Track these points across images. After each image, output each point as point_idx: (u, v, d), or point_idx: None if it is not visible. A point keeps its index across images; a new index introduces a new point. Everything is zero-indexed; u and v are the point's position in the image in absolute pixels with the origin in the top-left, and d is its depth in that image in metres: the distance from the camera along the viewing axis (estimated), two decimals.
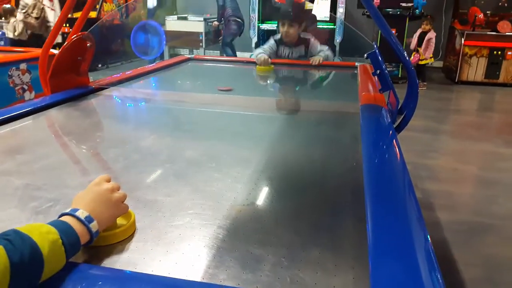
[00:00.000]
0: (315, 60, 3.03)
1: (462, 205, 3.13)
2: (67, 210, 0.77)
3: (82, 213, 0.76)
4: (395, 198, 0.99)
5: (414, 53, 6.96)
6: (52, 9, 5.90)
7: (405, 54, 1.80)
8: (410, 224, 0.86)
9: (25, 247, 0.63)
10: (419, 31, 7.00)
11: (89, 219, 0.76)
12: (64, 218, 0.75)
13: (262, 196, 1.11)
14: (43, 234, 0.67)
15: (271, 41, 3.26)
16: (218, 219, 0.93)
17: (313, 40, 3.20)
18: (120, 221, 0.86)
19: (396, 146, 1.34)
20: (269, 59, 3.00)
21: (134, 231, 0.87)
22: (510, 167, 3.83)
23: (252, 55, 3.39)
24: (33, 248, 0.64)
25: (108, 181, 0.87)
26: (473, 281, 2.25)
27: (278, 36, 3.24)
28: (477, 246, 2.59)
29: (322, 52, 3.14)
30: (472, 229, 2.77)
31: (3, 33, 5.62)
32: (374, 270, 0.70)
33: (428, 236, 0.81)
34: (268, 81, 3.09)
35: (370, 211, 0.88)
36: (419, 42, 6.95)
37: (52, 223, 0.72)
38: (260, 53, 3.06)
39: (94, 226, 0.76)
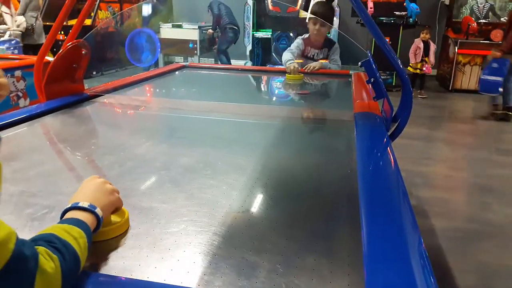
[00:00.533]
0: (309, 66, 3.01)
1: (457, 212, 3.14)
2: (68, 205, 0.80)
3: (83, 204, 0.80)
4: (389, 205, 1.00)
5: (420, 64, 6.94)
6: (10, 15, 5.96)
7: (399, 63, 1.81)
8: (405, 231, 0.87)
9: (70, 256, 0.67)
10: (420, 41, 6.98)
11: (93, 206, 0.80)
12: (70, 214, 0.78)
13: (257, 203, 1.11)
14: (77, 240, 0.70)
15: (299, 41, 3.23)
16: (213, 226, 0.93)
17: (336, 45, 3.21)
18: (114, 218, 0.89)
19: (390, 154, 1.35)
20: (299, 68, 2.97)
21: (128, 227, 0.90)
22: (504, 174, 3.85)
23: (246, 62, 3.37)
24: (75, 257, 0.68)
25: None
26: (467, 287, 2.25)
27: (306, 35, 3.24)
28: (472, 253, 2.60)
29: (331, 63, 3.14)
30: (467, 236, 2.78)
31: (17, 42, 5.62)
32: (369, 276, 0.70)
33: (423, 243, 0.82)
34: (263, 89, 3.10)
35: (365, 218, 0.89)
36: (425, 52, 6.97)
37: (74, 223, 0.74)
38: (290, 61, 3.02)
39: (99, 211, 0.81)
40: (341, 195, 1.18)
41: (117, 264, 0.79)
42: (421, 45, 6.93)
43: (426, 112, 6.05)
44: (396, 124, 1.85)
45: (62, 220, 0.76)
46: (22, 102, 3.81)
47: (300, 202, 1.13)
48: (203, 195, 1.09)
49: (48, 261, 0.62)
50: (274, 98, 2.80)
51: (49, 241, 0.66)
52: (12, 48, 5.41)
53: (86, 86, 2.24)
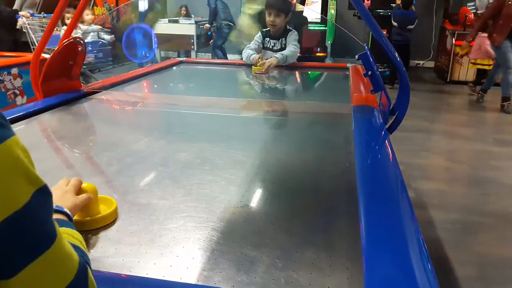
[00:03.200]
0: (265, 66, 2.85)
1: (455, 204, 3.15)
2: None
3: None
4: (387, 198, 1.00)
5: None
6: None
7: (396, 55, 1.81)
8: (403, 224, 0.87)
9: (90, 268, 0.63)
10: None
11: (60, 207, 0.77)
12: None
13: (256, 198, 1.11)
14: (82, 243, 0.67)
15: (258, 34, 3.22)
16: (212, 222, 0.93)
17: (293, 31, 3.16)
18: (103, 208, 0.95)
19: (389, 146, 1.35)
20: (261, 58, 2.97)
21: (116, 218, 0.93)
22: (502, 166, 3.86)
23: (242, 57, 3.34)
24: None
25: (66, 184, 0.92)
26: (466, 279, 2.26)
27: (266, 29, 3.23)
28: (470, 244, 2.61)
29: (288, 48, 3.03)
30: (465, 228, 2.78)
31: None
32: (368, 269, 0.70)
33: (421, 235, 0.82)
34: (260, 83, 3.10)
35: (363, 212, 0.89)
36: None
37: (68, 226, 0.71)
38: (251, 54, 3.03)
39: (68, 211, 0.78)
40: (340, 188, 1.18)
41: (116, 261, 0.79)
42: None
43: (424, 104, 6.04)
44: (394, 117, 1.85)
45: None
46: (19, 100, 3.80)
47: (299, 196, 1.13)
48: (201, 191, 1.09)
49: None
50: (271, 93, 2.80)
51: (83, 253, 0.63)
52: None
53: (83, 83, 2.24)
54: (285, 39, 3.12)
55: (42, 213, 0.50)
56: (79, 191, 0.91)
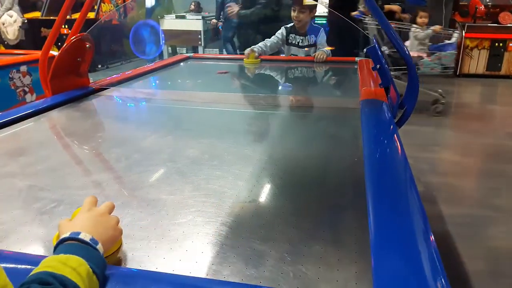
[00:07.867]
0: (319, 54, 3.04)
1: (465, 198, 3.13)
2: (67, 234, 0.69)
3: (85, 236, 0.69)
4: (396, 193, 1.00)
5: None
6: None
7: (405, 48, 1.80)
8: (412, 218, 0.87)
9: None
10: None
11: (95, 241, 0.70)
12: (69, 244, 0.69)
13: (264, 193, 1.11)
14: (76, 270, 0.62)
15: (281, 30, 3.28)
16: (220, 216, 0.93)
17: (321, 30, 3.22)
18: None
19: (397, 141, 1.34)
20: (256, 53, 3.08)
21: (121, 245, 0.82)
22: None
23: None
24: None
25: (96, 203, 0.81)
26: (477, 273, 2.25)
27: (290, 24, 3.26)
28: (481, 238, 2.59)
29: (326, 48, 3.15)
30: (475, 222, 2.77)
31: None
32: (377, 264, 0.70)
33: (430, 230, 0.82)
34: (268, 78, 3.09)
35: (372, 206, 0.89)
36: None
37: (72, 251, 0.66)
38: (254, 47, 3.10)
39: (100, 248, 0.70)
40: (348, 183, 1.18)
41: (126, 256, 0.80)
42: None
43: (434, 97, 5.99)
44: (403, 111, 1.84)
45: (59, 249, 0.68)
46: (28, 97, 3.83)
47: (307, 190, 1.13)
48: (210, 186, 1.10)
49: None
50: (280, 87, 2.79)
51: (45, 283, 0.59)
52: None
53: (91, 80, 2.25)
54: (314, 36, 3.17)
55: None
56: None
